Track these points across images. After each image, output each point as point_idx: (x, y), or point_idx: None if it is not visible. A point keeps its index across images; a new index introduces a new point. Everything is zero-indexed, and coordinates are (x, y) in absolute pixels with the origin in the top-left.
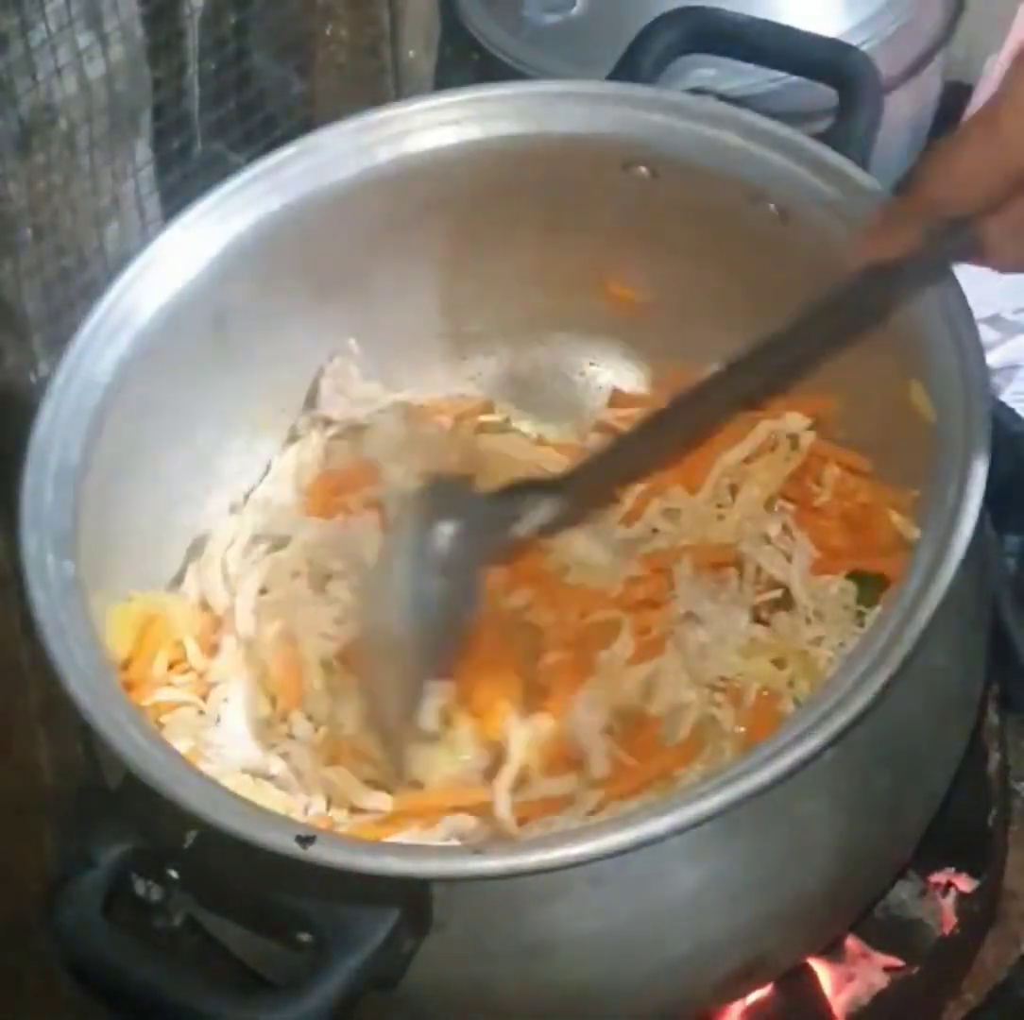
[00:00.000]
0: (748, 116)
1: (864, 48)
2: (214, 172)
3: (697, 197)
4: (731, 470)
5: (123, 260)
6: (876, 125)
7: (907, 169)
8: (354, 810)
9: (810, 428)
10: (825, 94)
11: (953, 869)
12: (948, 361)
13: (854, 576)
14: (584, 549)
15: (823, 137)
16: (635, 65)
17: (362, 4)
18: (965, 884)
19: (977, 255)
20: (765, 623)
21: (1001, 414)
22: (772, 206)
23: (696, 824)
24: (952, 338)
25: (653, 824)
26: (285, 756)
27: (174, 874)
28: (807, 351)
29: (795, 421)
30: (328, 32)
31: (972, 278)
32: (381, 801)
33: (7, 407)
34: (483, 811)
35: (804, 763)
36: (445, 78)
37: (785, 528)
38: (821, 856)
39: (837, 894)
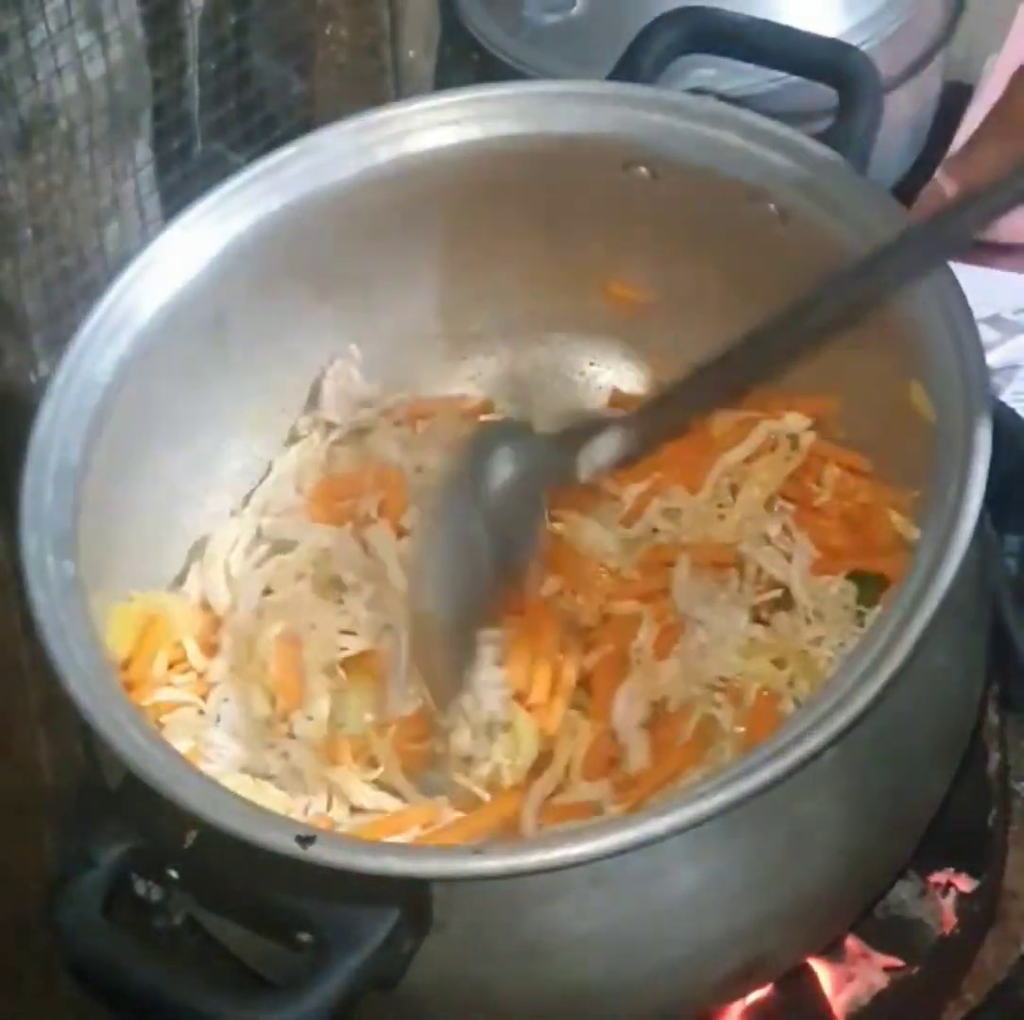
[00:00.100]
0: (748, 116)
1: (864, 48)
2: (214, 172)
3: (697, 197)
4: (731, 470)
5: (123, 260)
6: (876, 125)
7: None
8: (354, 810)
9: (810, 428)
10: (825, 94)
11: (953, 869)
12: (948, 361)
13: (854, 576)
14: (595, 538)
15: (823, 137)
16: (635, 65)
17: (362, 4)
18: (965, 884)
19: None
20: (765, 623)
21: (1001, 414)
22: (772, 206)
23: (696, 824)
24: (952, 338)
25: (653, 824)
26: (285, 756)
27: (174, 874)
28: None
29: (795, 421)
30: (328, 32)
31: (972, 278)
32: (382, 801)
33: (7, 407)
34: (510, 825)
35: (804, 763)
36: (445, 78)
37: (785, 528)
38: (821, 856)
39: (837, 894)
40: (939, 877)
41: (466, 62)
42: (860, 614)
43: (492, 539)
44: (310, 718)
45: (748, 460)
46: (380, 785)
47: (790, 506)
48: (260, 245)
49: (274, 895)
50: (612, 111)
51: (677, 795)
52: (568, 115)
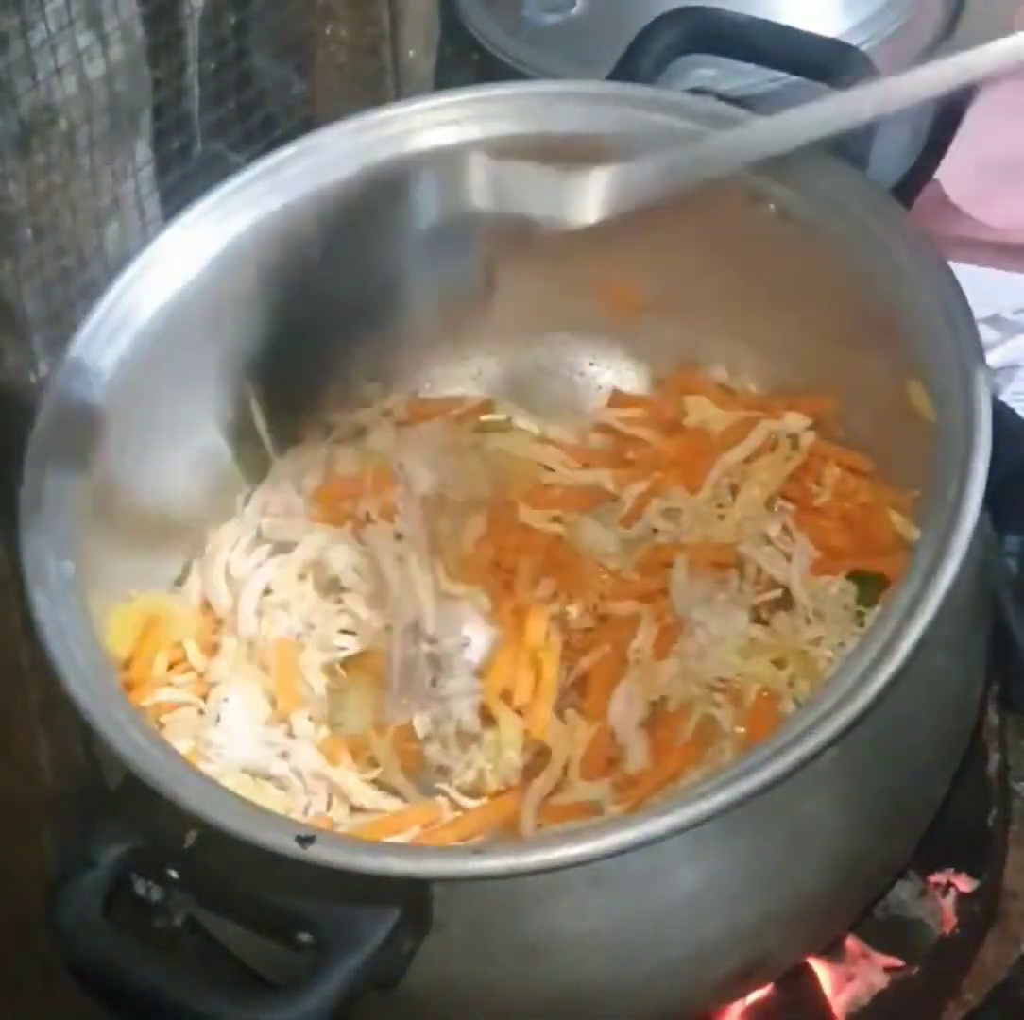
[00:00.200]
0: (748, 116)
1: (864, 48)
2: (214, 172)
3: (697, 197)
4: (731, 470)
5: (123, 260)
6: (876, 125)
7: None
8: (354, 810)
9: (810, 428)
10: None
11: (953, 869)
12: (948, 361)
13: (854, 576)
14: (595, 538)
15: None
16: (635, 65)
17: (362, 4)
18: (965, 884)
19: None
20: (765, 623)
21: (1001, 414)
22: (772, 206)
23: (696, 824)
24: (952, 338)
25: (653, 824)
26: (285, 756)
27: (174, 874)
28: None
29: (795, 421)
30: (328, 32)
31: (972, 278)
32: (382, 801)
33: (7, 407)
34: (509, 825)
35: (804, 763)
36: (445, 78)
37: (785, 528)
38: (821, 856)
39: (837, 894)
40: (939, 877)
41: (466, 62)
42: (860, 614)
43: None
44: (310, 718)
45: (748, 460)
46: (380, 785)
47: (790, 506)
48: (260, 245)
49: (274, 895)
50: (612, 111)
51: (677, 795)
52: (568, 115)
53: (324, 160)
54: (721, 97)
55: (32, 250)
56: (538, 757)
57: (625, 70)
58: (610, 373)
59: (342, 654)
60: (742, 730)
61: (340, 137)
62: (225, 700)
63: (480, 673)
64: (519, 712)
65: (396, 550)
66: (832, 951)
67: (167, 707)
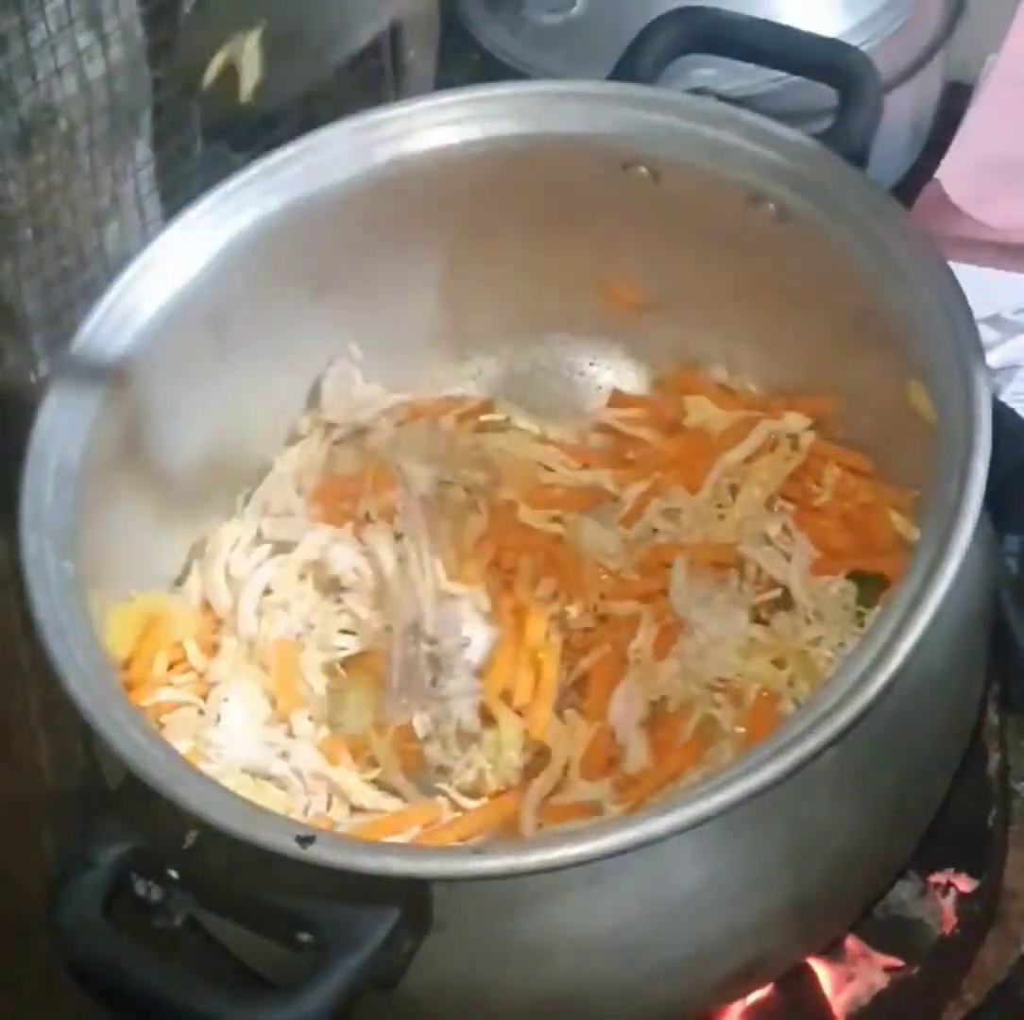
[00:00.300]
0: (748, 116)
1: (864, 48)
2: (214, 172)
3: (697, 197)
4: (731, 470)
5: (123, 260)
6: (876, 125)
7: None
8: (354, 810)
9: (810, 428)
10: (825, 94)
11: (953, 869)
12: (948, 361)
13: (854, 576)
14: (595, 538)
15: (823, 137)
16: (635, 65)
17: None
18: (965, 884)
19: None
20: (765, 623)
21: (1001, 414)
22: (772, 206)
23: (696, 824)
24: (952, 338)
25: (653, 824)
26: (285, 756)
27: (174, 874)
28: None
29: (795, 421)
30: None
31: (972, 278)
32: (382, 801)
33: (7, 407)
34: (509, 825)
35: (804, 763)
36: (445, 78)
37: (785, 528)
38: (821, 856)
39: (837, 894)
40: (939, 877)
41: (466, 62)
42: (860, 614)
43: None
44: (310, 718)
45: (748, 460)
46: (380, 785)
47: (790, 506)
48: (260, 245)
49: (274, 895)
50: (612, 111)
51: (677, 795)
52: (568, 115)
53: (324, 160)
54: (721, 97)
55: (32, 250)
56: (538, 757)
57: (625, 70)
58: (610, 373)
59: (342, 654)
60: (742, 730)
61: (340, 137)
62: (225, 700)
63: (480, 673)
64: (519, 712)
65: (396, 550)
66: (832, 951)
67: (167, 707)
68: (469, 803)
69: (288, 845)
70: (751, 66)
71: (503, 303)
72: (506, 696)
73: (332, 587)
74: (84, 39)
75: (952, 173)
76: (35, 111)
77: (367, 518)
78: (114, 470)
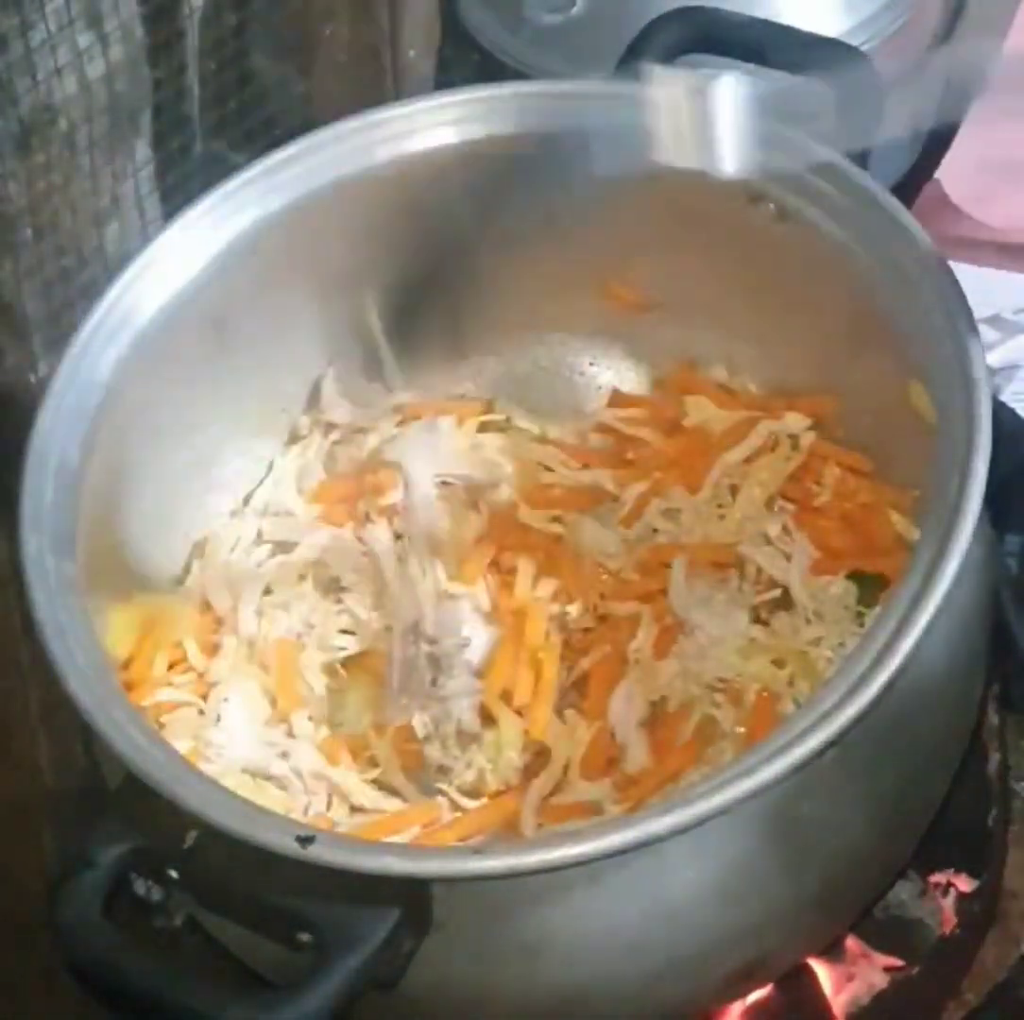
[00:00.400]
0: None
1: (864, 48)
2: (214, 172)
3: (697, 197)
4: (731, 470)
5: (123, 260)
6: (876, 125)
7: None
8: (354, 810)
9: (810, 428)
10: (825, 94)
11: (953, 869)
12: (948, 361)
13: (854, 576)
14: (595, 538)
15: (823, 137)
16: (635, 65)
17: (362, 4)
18: (965, 884)
19: None
20: (765, 623)
21: (1001, 414)
22: (772, 206)
23: (696, 824)
24: (952, 338)
25: (653, 824)
26: (285, 756)
27: (174, 874)
28: None
29: (795, 421)
30: (328, 32)
31: (972, 278)
32: (382, 801)
33: (7, 407)
34: (509, 825)
35: (804, 763)
36: (445, 78)
37: (785, 528)
38: (821, 856)
39: (837, 894)
40: (939, 877)
41: (466, 62)
42: (860, 614)
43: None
44: (310, 718)
45: (748, 460)
46: (380, 785)
47: (790, 506)
48: (260, 245)
49: (274, 895)
50: (612, 111)
51: (677, 795)
52: (568, 115)
53: (324, 160)
54: None
55: (32, 250)
56: (538, 757)
57: (625, 70)
58: (610, 373)
59: (342, 654)
60: (742, 730)
61: (340, 137)
62: (225, 700)
63: (480, 673)
64: (519, 712)
65: (396, 550)
66: (832, 951)
67: (167, 707)
68: (469, 803)
69: (288, 845)
70: (751, 66)
71: (503, 303)
72: (506, 696)
73: (332, 587)
74: (84, 39)
75: (952, 173)
76: (35, 111)
77: (367, 518)
78: (114, 470)
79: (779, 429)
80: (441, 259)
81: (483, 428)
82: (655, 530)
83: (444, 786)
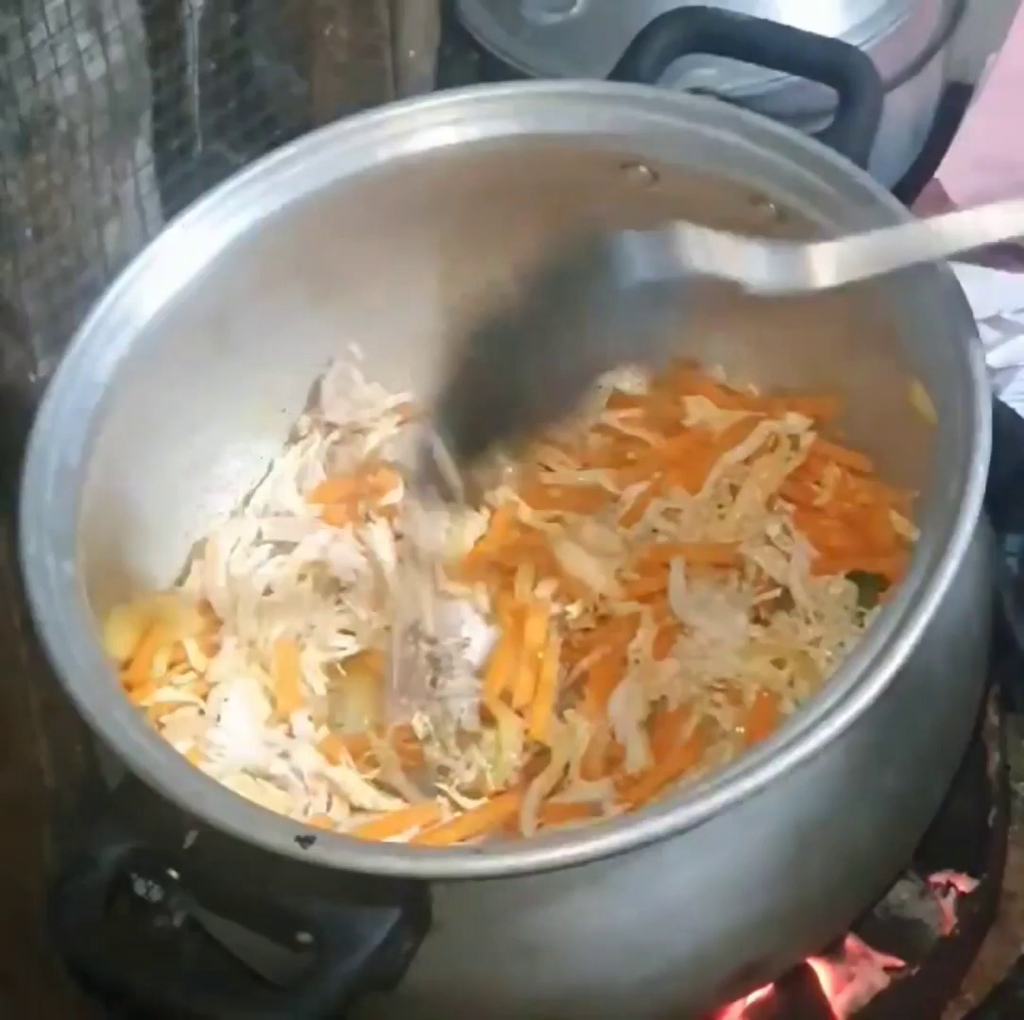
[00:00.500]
0: (748, 116)
1: (864, 48)
2: (214, 172)
3: (697, 197)
4: (731, 470)
5: (123, 260)
6: (876, 125)
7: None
8: (354, 810)
9: (810, 428)
10: (825, 94)
11: (953, 869)
12: (948, 361)
13: (854, 576)
14: (595, 538)
15: (823, 137)
16: (635, 65)
17: (362, 4)
18: (965, 884)
19: None
20: (765, 623)
21: (1001, 414)
22: (772, 206)
23: (696, 824)
24: (952, 338)
25: (653, 824)
26: (285, 756)
27: (174, 874)
28: None
29: (795, 421)
30: (328, 32)
31: (972, 278)
32: (382, 801)
33: (7, 407)
34: (509, 825)
35: (804, 763)
36: (445, 78)
37: (785, 528)
38: (821, 856)
39: (837, 894)
40: (939, 877)
41: (466, 62)
42: (860, 614)
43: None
44: (310, 718)
45: (748, 460)
46: (380, 785)
47: (790, 506)
48: (260, 245)
49: (274, 895)
50: (612, 111)
51: (677, 795)
52: (568, 115)
53: (324, 160)
54: (721, 97)
55: (32, 250)
56: (538, 757)
57: (625, 70)
58: (610, 373)
59: (342, 654)
60: (742, 730)
61: (340, 137)
62: (225, 700)
63: (480, 673)
64: (519, 712)
65: (396, 550)
66: (832, 951)
67: (167, 707)
68: (469, 803)
69: (288, 845)
70: (751, 66)
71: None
72: (506, 696)
73: (332, 587)
74: (84, 39)
75: (952, 173)
76: (35, 111)
77: (367, 518)
78: (114, 470)
79: (779, 429)
80: (441, 259)
81: None
82: (655, 530)
83: (444, 786)
